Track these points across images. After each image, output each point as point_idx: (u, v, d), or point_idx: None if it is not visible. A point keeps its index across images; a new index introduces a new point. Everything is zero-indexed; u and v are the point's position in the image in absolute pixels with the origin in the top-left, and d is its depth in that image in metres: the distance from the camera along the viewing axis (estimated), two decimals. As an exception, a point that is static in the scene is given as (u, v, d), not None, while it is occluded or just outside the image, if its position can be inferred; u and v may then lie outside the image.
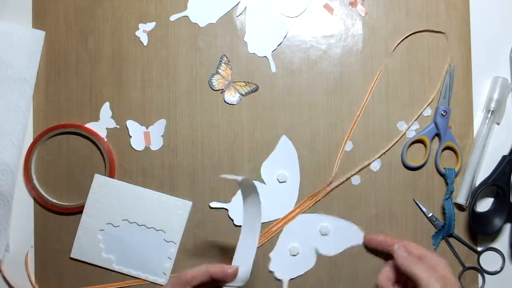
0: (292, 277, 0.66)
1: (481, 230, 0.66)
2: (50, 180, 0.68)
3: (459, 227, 0.67)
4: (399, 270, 0.60)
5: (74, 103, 0.68)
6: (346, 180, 0.67)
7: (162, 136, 0.67)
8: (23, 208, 0.67)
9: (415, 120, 0.67)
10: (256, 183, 0.66)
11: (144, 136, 0.68)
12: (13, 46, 0.67)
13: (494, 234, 0.67)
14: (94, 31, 0.68)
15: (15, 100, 0.67)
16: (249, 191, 0.59)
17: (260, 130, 0.68)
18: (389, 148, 0.67)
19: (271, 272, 0.67)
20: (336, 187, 0.67)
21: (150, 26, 0.68)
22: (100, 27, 0.68)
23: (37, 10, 0.68)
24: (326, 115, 0.68)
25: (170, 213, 0.66)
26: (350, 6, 0.68)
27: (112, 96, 0.68)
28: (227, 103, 0.68)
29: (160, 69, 0.68)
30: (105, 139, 0.67)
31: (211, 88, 0.68)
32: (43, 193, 0.67)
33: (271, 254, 0.67)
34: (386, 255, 0.66)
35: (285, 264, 0.66)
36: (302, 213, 0.67)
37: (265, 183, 0.67)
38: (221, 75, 0.68)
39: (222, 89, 0.68)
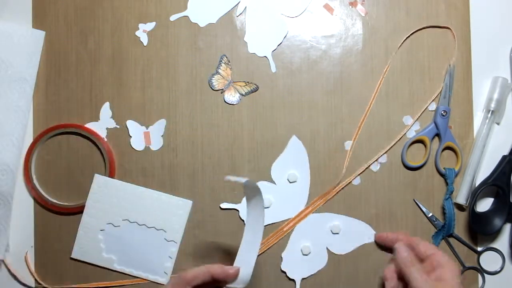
0: (304, 277, 0.66)
1: (481, 230, 0.66)
2: (50, 180, 0.68)
3: (459, 227, 0.67)
4: None
5: (74, 103, 0.68)
6: (354, 178, 0.67)
7: (162, 136, 0.67)
8: (23, 208, 0.67)
9: (422, 113, 0.67)
10: (267, 183, 0.67)
11: (144, 136, 0.68)
12: (13, 46, 0.67)
13: (494, 234, 0.67)
14: (94, 31, 0.68)
15: (15, 100, 0.67)
16: (253, 193, 0.59)
17: (260, 130, 0.68)
18: (391, 147, 0.67)
19: (283, 272, 0.67)
20: (345, 185, 0.67)
21: (150, 26, 0.68)
22: (100, 27, 0.68)
23: (37, 10, 0.68)
24: (326, 115, 0.68)
25: (170, 212, 0.66)
26: (350, 6, 0.68)
27: (112, 96, 0.68)
28: (227, 103, 0.68)
29: (160, 69, 0.68)
30: (105, 139, 0.67)
31: (211, 88, 0.68)
32: (43, 193, 0.67)
33: (283, 254, 0.67)
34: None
35: (297, 263, 0.66)
36: (313, 212, 0.67)
37: (275, 183, 0.67)
38: (221, 75, 0.68)
39: (222, 89, 0.68)
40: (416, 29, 0.67)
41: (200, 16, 0.68)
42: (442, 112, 0.66)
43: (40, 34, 0.68)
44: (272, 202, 0.67)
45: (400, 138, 0.67)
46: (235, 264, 0.59)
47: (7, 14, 0.68)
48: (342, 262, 0.67)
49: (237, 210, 0.67)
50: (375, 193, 0.67)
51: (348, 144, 0.67)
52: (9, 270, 0.67)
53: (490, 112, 0.67)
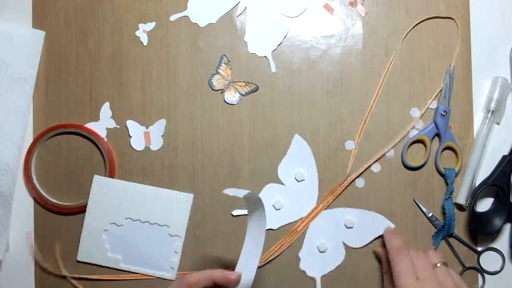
0: (324, 274, 0.66)
1: (481, 230, 0.66)
2: (50, 180, 0.68)
3: (459, 227, 0.67)
4: None
5: (74, 103, 0.68)
6: (356, 177, 0.67)
7: (162, 136, 0.67)
8: (23, 208, 0.67)
9: (429, 104, 0.67)
10: (275, 185, 0.67)
11: (144, 136, 0.68)
12: (13, 46, 0.67)
13: (494, 234, 0.67)
14: (94, 31, 0.68)
15: (15, 100, 0.67)
16: (254, 204, 0.58)
17: (260, 130, 0.68)
18: (396, 144, 0.67)
19: (302, 271, 0.67)
20: (347, 185, 0.67)
21: (150, 26, 0.68)
22: (100, 27, 0.68)
23: (37, 10, 0.68)
24: (326, 115, 0.68)
25: (172, 207, 0.66)
26: (350, 6, 0.68)
27: (112, 96, 0.68)
28: (227, 103, 0.68)
29: (160, 69, 0.68)
30: (105, 139, 0.67)
31: (211, 88, 0.68)
32: (43, 193, 0.67)
33: (300, 254, 0.67)
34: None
35: (315, 261, 0.66)
36: (325, 209, 0.67)
37: (284, 184, 0.67)
38: (221, 75, 0.68)
39: (222, 89, 0.68)
40: (420, 20, 0.67)
41: (200, 16, 0.68)
42: (442, 112, 0.66)
43: (40, 34, 0.68)
44: (283, 204, 0.67)
45: (408, 133, 0.67)
46: (237, 269, 0.59)
47: (7, 14, 0.68)
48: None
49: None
50: (375, 193, 0.67)
51: (348, 144, 0.67)
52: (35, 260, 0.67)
53: (490, 112, 0.67)
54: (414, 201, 0.67)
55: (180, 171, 0.67)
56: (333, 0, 0.68)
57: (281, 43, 0.68)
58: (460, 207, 0.67)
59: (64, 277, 0.66)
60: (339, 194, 0.67)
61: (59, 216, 0.67)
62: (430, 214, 0.67)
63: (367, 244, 0.67)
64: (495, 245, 0.67)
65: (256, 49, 0.68)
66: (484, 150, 0.67)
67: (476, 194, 0.65)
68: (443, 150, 0.67)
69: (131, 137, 0.68)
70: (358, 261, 0.67)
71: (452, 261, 0.66)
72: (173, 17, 0.68)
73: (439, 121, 0.66)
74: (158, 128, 0.68)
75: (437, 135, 0.67)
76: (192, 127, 0.68)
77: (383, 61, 0.68)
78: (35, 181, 0.67)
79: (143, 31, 0.68)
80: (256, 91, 0.68)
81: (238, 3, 0.68)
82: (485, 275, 0.66)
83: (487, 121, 0.67)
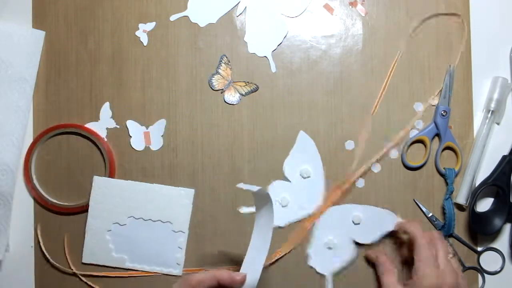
0: (334, 270, 0.66)
1: (481, 230, 0.66)
2: (50, 180, 0.68)
3: (459, 227, 0.67)
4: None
5: (74, 103, 0.68)
6: (357, 178, 0.67)
7: (162, 136, 0.67)
8: (23, 208, 0.67)
9: (427, 107, 0.67)
10: (282, 182, 0.67)
11: (144, 136, 0.68)
12: (13, 46, 0.67)
13: (494, 234, 0.67)
14: (94, 31, 0.68)
15: (15, 100, 0.67)
16: (263, 201, 0.58)
17: (260, 130, 0.68)
18: (397, 143, 0.67)
19: (312, 268, 0.67)
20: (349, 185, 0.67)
21: (150, 26, 0.68)
22: (100, 27, 0.68)
23: (37, 10, 0.68)
24: (326, 115, 0.68)
25: (174, 203, 0.66)
26: (350, 6, 0.68)
27: (112, 96, 0.68)
28: (227, 103, 0.68)
29: (160, 69, 0.68)
30: (105, 139, 0.67)
31: (211, 88, 0.68)
32: (43, 193, 0.67)
33: (309, 251, 0.67)
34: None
35: (324, 258, 0.66)
36: (332, 205, 0.67)
37: (290, 181, 0.67)
38: (221, 75, 0.68)
39: (222, 89, 0.68)
40: (424, 17, 0.67)
41: (200, 16, 0.68)
42: (442, 112, 0.66)
43: (40, 34, 0.68)
44: (289, 201, 0.67)
45: (407, 133, 0.67)
46: (242, 270, 0.59)
47: (7, 14, 0.68)
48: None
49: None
50: (375, 193, 0.67)
51: (348, 144, 0.67)
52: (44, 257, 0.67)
53: (490, 112, 0.67)
54: (414, 201, 0.67)
55: (180, 171, 0.67)
56: (333, 0, 0.68)
57: (281, 43, 0.68)
58: (460, 207, 0.67)
59: (73, 274, 0.66)
60: (347, 190, 0.67)
61: (59, 216, 0.67)
62: (430, 214, 0.67)
63: (377, 241, 0.66)
64: (495, 245, 0.67)
65: (256, 49, 0.68)
66: (484, 150, 0.67)
67: (476, 194, 0.65)
68: (443, 150, 0.67)
69: (131, 137, 0.68)
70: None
71: (452, 261, 0.66)
72: (173, 17, 0.68)
73: (439, 121, 0.66)
74: (158, 128, 0.68)
75: (437, 135, 0.67)
76: (192, 127, 0.68)
77: (383, 61, 0.68)
78: (35, 181, 0.67)
79: (143, 31, 0.68)
80: (256, 91, 0.68)
81: (238, 3, 0.68)
82: (485, 275, 0.66)
83: (487, 121, 0.67)
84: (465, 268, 0.66)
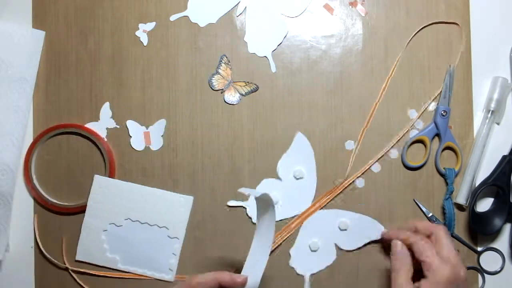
0: (313, 272, 0.66)
1: (481, 230, 0.66)
2: (50, 180, 0.68)
3: (459, 227, 0.67)
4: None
5: (74, 103, 0.68)
6: (356, 178, 0.67)
7: (162, 136, 0.67)
8: (23, 208, 0.67)
9: (426, 106, 0.67)
10: (273, 180, 0.67)
11: (144, 136, 0.68)
12: (13, 46, 0.67)
13: (494, 234, 0.67)
14: (94, 31, 0.68)
15: (15, 100, 0.67)
16: (266, 205, 0.58)
17: (260, 130, 0.68)
18: (396, 142, 0.67)
19: (292, 268, 0.67)
20: (348, 185, 0.67)
21: (150, 26, 0.68)
22: (100, 27, 0.68)
23: (37, 10, 0.68)
24: (326, 115, 0.68)
25: (172, 209, 0.66)
26: (350, 6, 0.68)
27: (112, 96, 0.68)
28: (227, 103, 0.68)
29: (160, 69, 0.68)
30: (105, 139, 0.67)
31: (211, 88, 0.68)
32: (43, 193, 0.67)
33: (291, 251, 0.67)
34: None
35: (305, 260, 0.66)
36: (320, 209, 0.67)
37: (281, 180, 0.67)
38: (221, 75, 0.68)
39: (222, 89, 0.68)
40: (422, 26, 0.67)
41: (200, 16, 0.68)
42: (442, 112, 0.66)
43: (40, 34, 0.68)
44: (278, 199, 0.67)
45: (406, 132, 0.67)
46: (243, 272, 0.59)
47: (7, 14, 0.68)
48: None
49: (244, 208, 0.67)
50: (375, 193, 0.67)
51: (348, 144, 0.67)
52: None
53: (490, 112, 0.67)
54: (414, 201, 0.67)
55: (180, 171, 0.67)
56: (333, 0, 0.68)
57: (281, 43, 0.68)
58: (460, 207, 0.67)
59: (66, 269, 0.67)
60: (336, 195, 0.67)
61: (59, 216, 0.67)
62: (430, 214, 0.67)
63: (358, 248, 0.66)
64: (495, 245, 0.67)
65: (256, 49, 0.68)
66: (484, 150, 0.67)
67: (476, 194, 0.65)
68: (443, 150, 0.67)
69: (131, 137, 0.68)
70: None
71: (452, 261, 0.66)
72: (173, 17, 0.68)
73: (439, 121, 0.66)
74: (158, 128, 0.68)
75: (437, 135, 0.67)
76: (192, 127, 0.68)
77: (383, 61, 0.68)
78: (35, 181, 0.67)
79: (143, 31, 0.68)
80: (256, 91, 0.68)
81: (238, 3, 0.68)
82: (485, 275, 0.66)
83: (487, 121, 0.67)
84: (465, 268, 0.66)
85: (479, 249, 0.67)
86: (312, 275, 0.66)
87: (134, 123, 0.68)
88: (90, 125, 0.68)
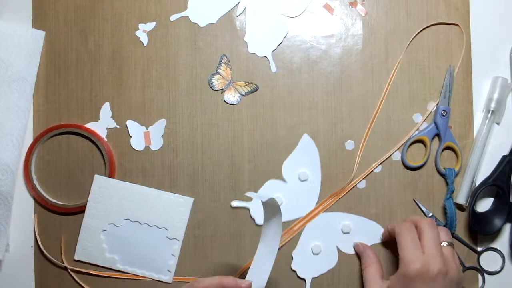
0: (315, 276, 0.66)
1: (481, 230, 0.66)
2: (50, 180, 0.68)
3: (459, 227, 0.67)
4: None
5: (74, 103, 0.68)
6: (360, 180, 0.67)
7: (162, 136, 0.67)
8: (23, 208, 0.67)
9: (430, 112, 0.67)
10: (277, 181, 0.67)
11: (144, 136, 0.68)
12: (13, 46, 0.67)
13: (494, 234, 0.67)
14: (94, 31, 0.68)
15: (15, 100, 0.67)
16: (273, 210, 0.58)
17: (260, 130, 0.68)
18: (399, 148, 0.67)
19: (293, 271, 0.67)
20: (352, 187, 0.67)
21: (150, 26, 0.68)
22: (100, 27, 0.68)
23: (37, 10, 0.68)
24: (326, 115, 0.68)
25: (172, 210, 0.66)
26: (350, 6, 0.68)
27: (112, 96, 0.68)
28: (227, 103, 0.68)
29: (160, 69, 0.68)
30: (105, 139, 0.67)
31: (211, 88, 0.68)
32: (43, 193, 0.67)
33: (293, 253, 0.67)
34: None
35: (307, 262, 0.66)
36: (324, 211, 0.67)
37: (285, 181, 0.67)
38: (221, 75, 0.68)
39: (222, 89, 0.68)
40: (423, 27, 0.67)
41: (200, 16, 0.68)
42: (442, 112, 0.66)
43: (40, 34, 0.68)
44: (282, 201, 0.67)
45: (409, 138, 0.67)
46: (248, 277, 0.59)
47: (7, 14, 0.68)
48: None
49: (248, 209, 0.67)
50: (375, 193, 0.67)
51: (348, 144, 0.67)
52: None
53: (490, 112, 0.67)
54: (414, 201, 0.67)
55: (180, 171, 0.67)
56: (333, 0, 0.69)
57: (281, 43, 0.68)
58: (460, 207, 0.67)
59: (65, 268, 0.67)
60: (340, 198, 0.67)
61: (59, 216, 0.67)
62: (430, 214, 0.67)
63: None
64: (495, 245, 0.67)
65: (256, 49, 0.68)
66: (484, 150, 0.67)
67: (476, 194, 0.65)
68: (443, 150, 0.67)
69: (131, 137, 0.68)
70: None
71: (452, 261, 0.66)
72: (173, 17, 0.68)
73: (439, 121, 0.66)
74: (158, 128, 0.68)
75: (437, 135, 0.67)
76: (192, 127, 0.68)
77: (383, 61, 0.68)
78: (35, 181, 0.67)
79: (143, 31, 0.68)
80: (256, 91, 0.68)
81: (238, 3, 0.68)
82: (485, 275, 0.66)
83: (487, 121, 0.67)
84: (465, 268, 0.66)
85: (479, 249, 0.67)
86: (313, 278, 0.66)
87: (134, 123, 0.68)
88: (90, 125, 0.68)
